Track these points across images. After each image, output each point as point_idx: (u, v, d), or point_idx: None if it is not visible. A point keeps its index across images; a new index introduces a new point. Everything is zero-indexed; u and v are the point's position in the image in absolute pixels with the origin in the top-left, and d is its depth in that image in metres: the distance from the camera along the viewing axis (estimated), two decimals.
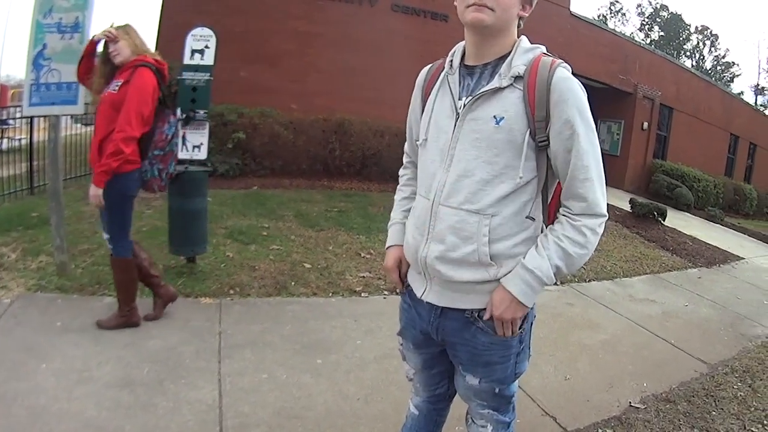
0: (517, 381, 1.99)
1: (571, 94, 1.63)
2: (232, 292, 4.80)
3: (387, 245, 2.10)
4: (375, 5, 11.97)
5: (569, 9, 15.19)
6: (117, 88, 3.59)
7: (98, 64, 3.77)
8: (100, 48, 3.78)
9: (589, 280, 6.70)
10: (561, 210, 1.75)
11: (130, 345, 3.69)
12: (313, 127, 10.48)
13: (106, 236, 3.81)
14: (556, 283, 5.68)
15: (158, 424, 2.89)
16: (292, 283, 5.15)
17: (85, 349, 3.57)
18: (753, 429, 3.55)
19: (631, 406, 3.69)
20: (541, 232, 1.78)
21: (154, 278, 4.12)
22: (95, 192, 3.55)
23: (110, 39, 3.66)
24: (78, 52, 4.14)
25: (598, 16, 54.44)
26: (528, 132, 1.64)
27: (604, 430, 3.35)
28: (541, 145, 1.67)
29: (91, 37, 3.89)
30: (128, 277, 3.96)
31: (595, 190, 1.67)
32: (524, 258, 1.70)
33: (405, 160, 2.22)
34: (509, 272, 1.72)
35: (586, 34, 15.76)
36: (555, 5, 14.31)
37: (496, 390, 1.93)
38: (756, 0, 74.60)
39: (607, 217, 1.73)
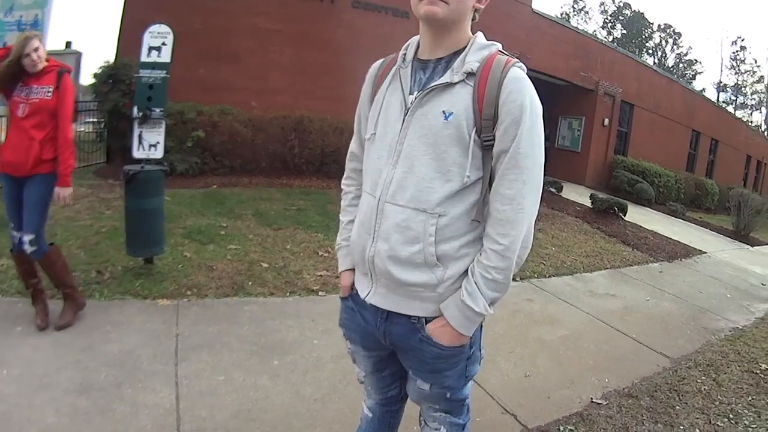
0: (469, 383, 1.95)
1: (521, 95, 1.58)
2: (189, 293, 4.73)
3: (340, 270, 2.02)
4: (336, 2, 11.95)
5: (531, 6, 15.34)
6: (50, 94, 3.71)
7: (2, 70, 3.66)
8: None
9: (549, 276, 6.72)
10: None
11: (88, 349, 3.63)
12: (272, 125, 10.46)
13: (30, 237, 3.77)
14: (515, 279, 5.72)
15: (116, 430, 2.86)
16: (250, 283, 5.10)
17: (45, 353, 3.52)
18: (719, 423, 3.57)
19: (592, 402, 3.71)
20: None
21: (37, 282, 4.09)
22: (68, 192, 3.80)
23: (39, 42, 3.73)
24: None
25: (561, 14, 55.25)
26: (474, 130, 1.60)
27: (566, 427, 3.35)
28: (486, 145, 1.62)
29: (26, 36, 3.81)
30: (60, 263, 4.07)
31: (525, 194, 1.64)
32: (462, 294, 1.67)
33: (348, 166, 2.09)
34: (452, 282, 1.70)
35: (548, 32, 15.94)
36: (517, 2, 14.45)
37: (448, 395, 1.89)
38: None
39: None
